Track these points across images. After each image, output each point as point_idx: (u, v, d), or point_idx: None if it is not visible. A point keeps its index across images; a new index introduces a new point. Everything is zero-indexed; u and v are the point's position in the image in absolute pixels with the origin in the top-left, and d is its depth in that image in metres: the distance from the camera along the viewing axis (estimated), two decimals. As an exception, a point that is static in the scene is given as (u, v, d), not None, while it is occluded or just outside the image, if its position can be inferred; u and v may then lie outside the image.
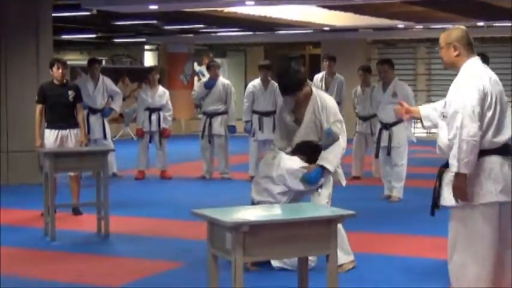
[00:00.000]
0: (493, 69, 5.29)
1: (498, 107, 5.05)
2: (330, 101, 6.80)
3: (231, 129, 13.27)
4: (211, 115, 13.22)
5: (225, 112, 13.24)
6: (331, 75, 13.63)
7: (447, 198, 5.09)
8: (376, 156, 11.09)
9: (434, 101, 5.71)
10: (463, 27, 5.28)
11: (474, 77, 5.05)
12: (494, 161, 5.06)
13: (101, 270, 6.91)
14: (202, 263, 4.67)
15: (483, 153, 5.02)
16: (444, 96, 5.28)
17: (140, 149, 13.48)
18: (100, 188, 8.42)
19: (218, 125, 13.22)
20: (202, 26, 20.05)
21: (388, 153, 10.55)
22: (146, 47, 25.84)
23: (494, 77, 5.17)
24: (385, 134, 10.57)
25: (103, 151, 9.08)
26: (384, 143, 10.57)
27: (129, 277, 6.64)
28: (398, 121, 10.11)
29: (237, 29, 21.15)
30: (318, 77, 13.78)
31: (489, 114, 5.02)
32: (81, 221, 9.23)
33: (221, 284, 4.57)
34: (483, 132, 4.99)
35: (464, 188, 4.94)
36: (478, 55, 5.29)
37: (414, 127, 19.97)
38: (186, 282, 6.44)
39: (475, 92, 4.96)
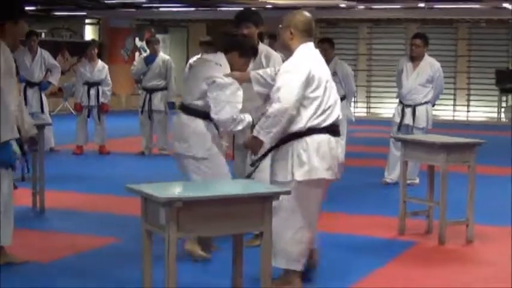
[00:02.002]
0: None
1: (326, 91, 5.42)
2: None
3: (171, 105, 13.21)
4: (151, 91, 13.14)
5: (165, 88, 13.17)
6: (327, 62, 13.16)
7: (279, 174, 5.43)
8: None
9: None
10: (306, 13, 5.63)
11: (303, 61, 5.41)
12: (322, 139, 5.40)
13: (35, 246, 6.82)
14: (138, 239, 4.62)
15: (313, 131, 5.38)
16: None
17: (78, 124, 13.33)
18: (36, 162, 8.30)
19: (158, 101, 13.15)
20: (144, 0, 19.85)
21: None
22: (87, 20, 25.50)
23: (323, 62, 5.59)
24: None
25: (39, 125, 8.94)
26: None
27: (63, 252, 6.57)
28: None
29: (179, 5, 20.99)
30: None
31: (315, 95, 5.38)
32: (15, 196, 9.07)
33: (155, 260, 4.54)
34: (313, 112, 5.37)
35: (256, 148, 5.43)
36: (323, 40, 5.69)
37: (354, 106, 20.16)
38: (120, 258, 6.41)
39: (302, 74, 5.33)
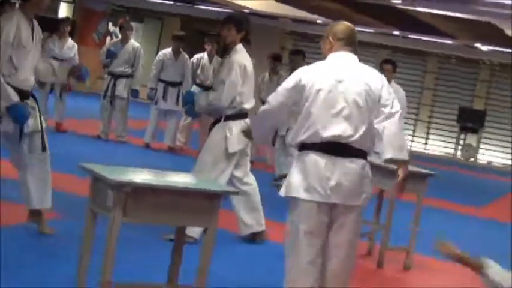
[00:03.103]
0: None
1: (321, 103, 4.86)
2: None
3: (134, 93, 13.18)
4: (116, 76, 13.10)
5: (130, 75, 13.14)
6: (275, 73, 12.62)
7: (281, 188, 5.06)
8: (273, 143, 11.20)
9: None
10: (346, 22, 5.16)
11: (303, 68, 5.03)
12: (310, 157, 4.86)
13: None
14: (82, 217, 4.62)
15: (303, 147, 4.91)
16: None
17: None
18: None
19: (122, 87, 13.11)
20: (123, -14, 19.79)
21: (284, 142, 10.66)
22: (63, -2, 25.34)
23: (345, 72, 4.95)
24: (284, 123, 10.66)
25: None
26: (281, 132, 10.67)
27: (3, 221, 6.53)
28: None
29: (157, -4, 20.98)
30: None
31: (305, 106, 4.88)
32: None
33: (97, 241, 4.54)
34: (300, 125, 4.89)
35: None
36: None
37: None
38: (59, 233, 6.39)
39: (290, 81, 4.95)
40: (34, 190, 6.47)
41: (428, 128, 23.52)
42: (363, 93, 4.91)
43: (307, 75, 4.91)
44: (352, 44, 5.05)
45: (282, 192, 4.98)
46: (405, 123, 19.25)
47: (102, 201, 4.38)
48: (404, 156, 5.07)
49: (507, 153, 22.78)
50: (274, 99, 5.01)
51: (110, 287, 4.17)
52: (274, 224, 7.77)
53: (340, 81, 4.90)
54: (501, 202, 14.56)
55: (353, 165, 4.86)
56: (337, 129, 4.81)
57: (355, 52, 5.08)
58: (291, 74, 5.17)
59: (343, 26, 5.11)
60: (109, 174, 4.34)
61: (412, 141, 23.33)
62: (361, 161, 4.92)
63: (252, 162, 12.89)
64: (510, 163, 22.52)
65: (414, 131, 23.47)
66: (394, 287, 6.71)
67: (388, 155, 4.99)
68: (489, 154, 22.95)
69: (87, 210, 4.55)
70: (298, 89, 4.89)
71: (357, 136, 4.84)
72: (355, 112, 4.86)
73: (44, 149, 6.46)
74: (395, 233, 7.43)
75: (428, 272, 7.48)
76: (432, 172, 7.69)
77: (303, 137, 4.88)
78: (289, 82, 4.95)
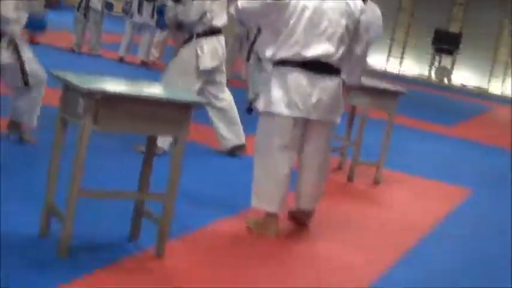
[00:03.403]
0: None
1: (304, 20, 5.02)
2: None
3: (108, 6, 13.05)
4: (91, -12, 12.94)
5: (104, -12, 12.99)
6: None
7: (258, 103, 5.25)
8: (248, 59, 11.17)
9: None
10: None
11: None
12: (291, 73, 5.05)
13: None
14: (53, 128, 4.62)
15: (284, 63, 5.07)
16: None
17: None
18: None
19: (96, 0, 12.96)
20: None
21: (259, 58, 10.63)
22: None
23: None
24: (260, 38, 10.62)
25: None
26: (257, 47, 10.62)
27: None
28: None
29: None
30: None
31: (291, 23, 5.02)
32: None
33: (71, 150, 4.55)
34: (284, 40, 5.03)
35: None
36: None
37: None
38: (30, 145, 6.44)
39: None
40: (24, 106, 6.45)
41: (404, 49, 23.52)
42: (345, 14, 5.10)
43: None
44: None
45: (261, 107, 5.15)
46: (380, 43, 19.22)
47: (73, 109, 4.37)
48: (355, 81, 5.51)
49: (481, 75, 22.90)
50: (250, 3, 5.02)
51: (79, 195, 4.20)
52: (250, 138, 7.83)
53: (324, 0, 5.05)
54: (472, 122, 14.73)
55: (332, 82, 5.11)
56: (321, 48, 5.02)
57: None
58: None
59: None
60: (80, 82, 4.32)
61: (387, 61, 23.37)
62: (338, 79, 5.19)
63: (227, 80, 12.95)
64: (483, 86, 22.67)
65: (389, 51, 23.47)
66: (363, 200, 6.82)
67: (347, 79, 5.41)
68: (463, 76, 23.06)
69: (57, 118, 4.55)
70: (282, 5, 4.98)
71: (337, 56, 5.09)
72: (337, 32, 5.07)
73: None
74: (366, 149, 7.53)
75: (397, 186, 7.61)
76: (403, 90, 7.75)
77: (285, 53, 5.03)
78: None
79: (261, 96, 5.31)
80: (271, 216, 5.21)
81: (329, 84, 5.12)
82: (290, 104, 5.04)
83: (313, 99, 5.07)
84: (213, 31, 7.05)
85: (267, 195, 5.19)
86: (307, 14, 5.02)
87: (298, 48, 5.03)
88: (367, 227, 5.98)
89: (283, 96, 5.04)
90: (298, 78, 5.04)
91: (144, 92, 4.55)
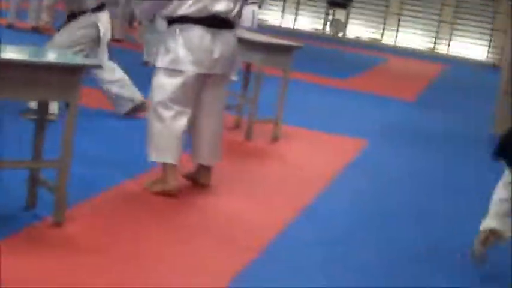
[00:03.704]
0: None
1: None
2: None
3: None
4: None
5: None
6: None
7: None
8: (140, 22, 11.04)
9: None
10: None
11: None
12: (194, 30, 5.21)
13: None
14: None
15: (186, 20, 5.21)
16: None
17: None
18: None
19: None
20: None
21: (152, 20, 10.52)
22: None
23: None
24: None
25: None
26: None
27: None
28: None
29: None
30: None
31: None
32: None
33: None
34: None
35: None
36: None
37: None
38: None
39: None
40: None
41: (298, 4, 23.64)
42: None
43: None
44: None
45: (164, 64, 5.25)
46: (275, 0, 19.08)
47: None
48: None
49: (375, 27, 23.24)
50: None
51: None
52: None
53: None
54: (366, 74, 14.96)
55: (232, 37, 5.38)
56: (222, 4, 5.24)
57: None
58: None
59: None
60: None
61: (282, 17, 23.46)
62: (235, 34, 5.45)
63: (121, 40, 12.79)
64: (377, 37, 23.03)
65: (283, 7, 23.56)
66: (262, 157, 6.87)
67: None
68: (357, 29, 23.35)
69: None
70: None
71: (235, 11, 5.35)
72: None
73: None
74: (263, 106, 7.55)
75: (295, 141, 7.68)
76: (296, 44, 7.79)
77: (188, 10, 5.19)
78: None
79: (161, 53, 5.33)
80: (170, 170, 5.27)
81: (230, 39, 5.36)
82: (196, 61, 5.20)
83: (216, 55, 5.25)
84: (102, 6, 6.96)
85: (166, 148, 5.26)
86: None
87: (203, 5, 5.19)
88: (267, 183, 6.03)
89: (187, 53, 5.19)
90: (202, 34, 5.21)
91: (31, 57, 4.44)
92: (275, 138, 7.49)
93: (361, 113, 10.13)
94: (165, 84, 5.25)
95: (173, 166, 5.27)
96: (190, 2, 5.19)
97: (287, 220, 5.12)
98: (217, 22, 5.26)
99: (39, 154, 4.58)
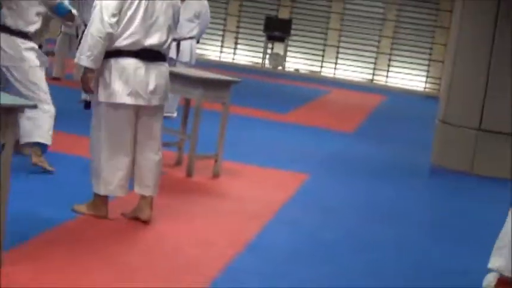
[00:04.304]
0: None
1: (141, 11, 5.33)
2: None
3: None
4: None
5: None
6: None
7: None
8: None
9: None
10: None
11: None
12: (128, 63, 5.35)
13: None
14: None
15: (121, 53, 5.34)
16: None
17: None
18: None
19: None
20: None
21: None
22: None
23: None
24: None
25: None
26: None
27: None
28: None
29: None
30: None
31: (129, 14, 5.30)
32: None
33: None
34: (121, 31, 5.30)
35: (87, 81, 5.33)
36: None
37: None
38: None
39: None
40: None
41: (236, 38, 23.76)
42: (170, 6, 5.51)
43: None
44: None
45: (102, 98, 5.37)
46: (213, 34, 19.24)
47: None
48: None
49: (313, 60, 23.45)
50: (103, 17, 5.21)
51: None
52: (82, 138, 7.72)
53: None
54: (306, 107, 15.06)
55: (164, 69, 5.55)
56: (155, 37, 5.41)
57: None
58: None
59: None
60: None
61: (221, 52, 23.54)
62: (166, 65, 5.63)
63: (58, 79, 12.68)
64: (316, 69, 23.24)
65: (222, 41, 23.65)
66: (203, 194, 6.84)
67: None
68: (296, 62, 23.52)
69: None
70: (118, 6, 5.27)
71: (166, 44, 5.53)
72: (166, 22, 5.48)
73: None
74: (203, 141, 7.54)
75: (236, 177, 7.67)
76: (235, 79, 7.81)
77: (122, 43, 5.32)
78: None
79: (98, 87, 5.39)
80: (102, 201, 5.49)
81: (162, 70, 5.53)
82: (132, 93, 5.34)
83: (151, 87, 5.41)
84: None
85: (115, 182, 5.42)
86: (143, 5, 5.33)
87: (137, 38, 5.34)
88: (209, 220, 6.00)
89: (123, 86, 5.32)
90: (136, 67, 5.35)
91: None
92: (216, 175, 7.47)
93: (302, 146, 10.17)
94: (107, 119, 5.37)
95: (105, 198, 5.48)
96: (125, 35, 5.32)
97: (229, 256, 5.10)
98: (150, 55, 5.43)
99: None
